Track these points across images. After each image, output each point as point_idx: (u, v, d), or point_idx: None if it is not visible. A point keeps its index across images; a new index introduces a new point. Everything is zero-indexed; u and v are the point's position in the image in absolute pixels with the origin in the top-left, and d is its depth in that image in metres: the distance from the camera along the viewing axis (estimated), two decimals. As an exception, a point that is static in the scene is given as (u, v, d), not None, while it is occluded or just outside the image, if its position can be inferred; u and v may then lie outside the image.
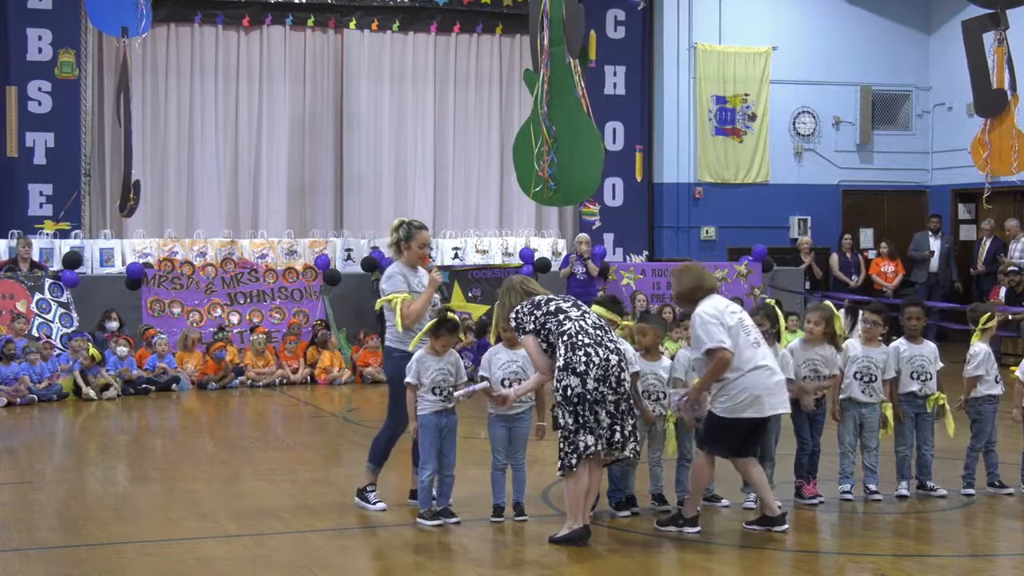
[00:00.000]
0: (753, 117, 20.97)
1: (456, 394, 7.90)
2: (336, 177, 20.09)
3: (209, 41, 19.54)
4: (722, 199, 20.87)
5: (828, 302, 9.01)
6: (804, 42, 21.26)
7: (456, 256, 18.09)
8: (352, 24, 19.92)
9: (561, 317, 7.45)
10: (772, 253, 18.86)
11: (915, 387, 8.71)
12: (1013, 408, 8.81)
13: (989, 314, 8.98)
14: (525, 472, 8.07)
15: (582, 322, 7.43)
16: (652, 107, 20.92)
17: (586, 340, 7.31)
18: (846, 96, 21.43)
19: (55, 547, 7.53)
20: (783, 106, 21.20)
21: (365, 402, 14.58)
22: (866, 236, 21.54)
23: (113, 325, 15.56)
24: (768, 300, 9.06)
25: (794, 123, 21.34)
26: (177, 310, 16.23)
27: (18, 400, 13.79)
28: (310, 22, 19.82)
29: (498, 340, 8.18)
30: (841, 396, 8.67)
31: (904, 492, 8.67)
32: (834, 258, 20.13)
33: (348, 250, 17.84)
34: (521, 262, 17.79)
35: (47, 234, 17.27)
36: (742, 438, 7.59)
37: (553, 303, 7.58)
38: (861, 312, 9.09)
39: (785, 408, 7.78)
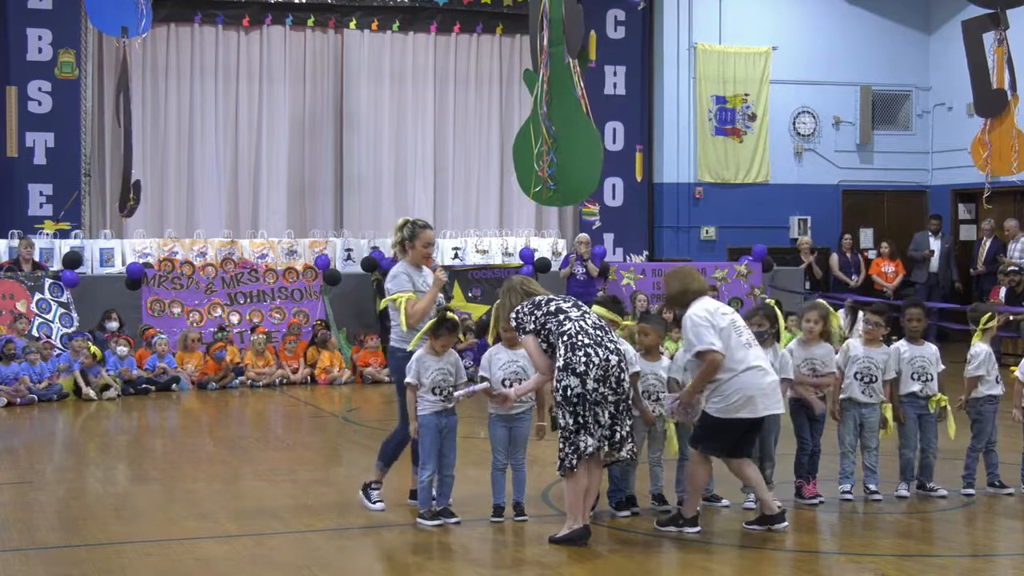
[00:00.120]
0: (753, 117, 20.98)
1: (456, 394, 7.89)
2: (336, 177, 20.09)
3: (209, 41, 19.54)
4: (722, 199, 20.87)
5: (821, 300, 9.02)
6: (804, 42, 21.26)
7: (456, 256, 18.09)
8: (352, 24, 19.92)
9: (561, 317, 7.45)
10: (772, 253, 18.86)
11: (916, 388, 8.70)
12: (1013, 408, 8.81)
13: (990, 314, 8.98)
14: (525, 472, 8.07)
15: (582, 322, 7.43)
16: (652, 107, 20.92)
17: (586, 340, 7.31)
18: (846, 96, 21.43)
19: (55, 547, 7.53)
20: (783, 106, 21.21)
21: (365, 402, 14.59)
22: (866, 236, 21.54)
23: (113, 325, 15.56)
24: (768, 300, 9.04)
25: (794, 123, 21.34)
26: (177, 310, 16.23)
27: (18, 400, 13.79)
28: (310, 22, 19.82)
29: (496, 340, 8.18)
30: (841, 396, 8.67)
31: (904, 493, 8.67)
32: (834, 258, 20.13)
33: (348, 250, 17.83)
34: (521, 262, 17.79)
35: (47, 234, 17.27)
36: (736, 438, 7.59)
37: (553, 303, 7.58)
38: (862, 312, 9.08)
39: (779, 409, 7.78)
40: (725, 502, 8.40)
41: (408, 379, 7.87)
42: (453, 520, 7.87)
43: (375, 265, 17.05)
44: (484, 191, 20.74)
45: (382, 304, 8.48)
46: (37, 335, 15.08)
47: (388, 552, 7.57)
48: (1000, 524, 8.24)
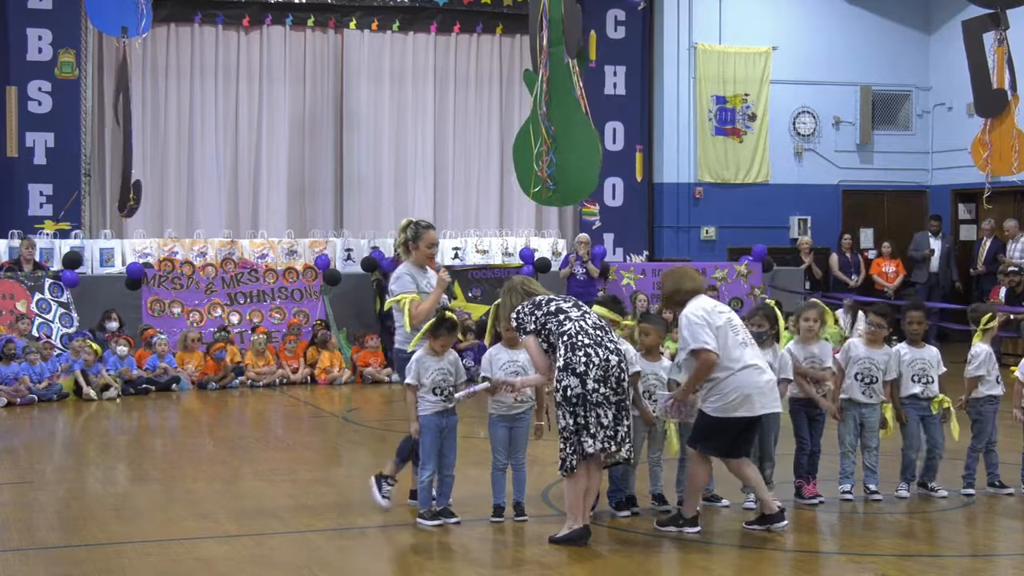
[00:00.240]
0: (753, 117, 20.98)
1: (457, 395, 7.90)
2: (336, 177, 20.09)
3: (209, 41, 19.54)
4: (722, 199, 20.87)
5: (815, 300, 9.04)
6: (804, 42, 21.26)
7: (456, 256, 18.08)
8: (352, 24, 19.92)
9: (562, 317, 7.45)
10: (772, 253, 18.86)
11: (917, 390, 8.70)
12: (1013, 408, 8.81)
13: (990, 315, 8.97)
14: (525, 472, 8.07)
15: (582, 322, 7.43)
16: (652, 107, 20.92)
17: (586, 340, 7.31)
18: (846, 96, 21.43)
19: (55, 547, 7.53)
20: (783, 106, 21.21)
21: (365, 402, 14.59)
22: (866, 236, 21.54)
23: (113, 325, 15.56)
24: (768, 300, 9.04)
25: (794, 123, 21.34)
26: (177, 310, 16.23)
27: (18, 400, 13.79)
28: (310, 22, 19.82)
29: (494, 341, 8.18)
30: (842, 397, 8.67)
31: (904, 493, 8.68)
32: (834, 258, 20.13)
33: (348, 250, 17.83)
34: (521, 262, 17.79)
35: (47, 234, 17.27)
36: (733, 437, 7.59)
37: (554, 303, 7.58)
38: (861, 312, 9.10)
39: (776, 407, 7.79)
40: (725, 502, 8.40)
41: (408, 380, 7.86)
42: (453, 520, 7.87)
43: (375, 265, 17.05)
44: (484, 191, 20.74)
45: (387, 305, 8.47)
46: (37, 335, 15.08)
47: (388, 552, 7.58)
48: (1000, 524, 8.24)
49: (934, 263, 19.97)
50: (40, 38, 18.12)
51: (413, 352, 7.95)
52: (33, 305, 15.49)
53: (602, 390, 7.27)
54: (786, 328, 8.90)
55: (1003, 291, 17.76)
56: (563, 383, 7.28)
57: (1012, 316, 16.26)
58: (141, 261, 16.70)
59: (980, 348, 8.88)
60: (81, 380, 14.26)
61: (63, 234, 17.35)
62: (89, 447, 11.71)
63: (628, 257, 19.66)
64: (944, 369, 8.84)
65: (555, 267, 17.97)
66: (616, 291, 16.73)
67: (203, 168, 19.49)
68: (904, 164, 21.83)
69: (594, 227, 20.19)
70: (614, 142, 20.31)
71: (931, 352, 8.84)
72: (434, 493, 7.91)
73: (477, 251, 18.35)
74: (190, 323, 16.16)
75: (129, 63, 17.35)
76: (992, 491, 8.79)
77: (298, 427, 13.11)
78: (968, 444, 8.90)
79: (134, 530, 7.91)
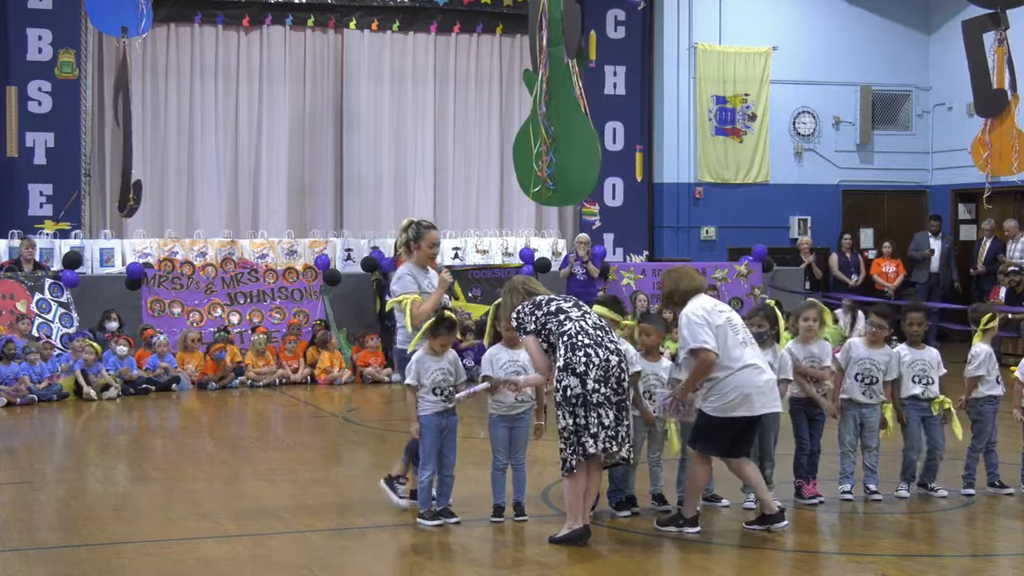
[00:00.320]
0: (753, 117, 20.98)
1: (458, 396, 7.90)
2: (336, 177, 20.09)
3: (209, 41, 19.54)
4: (722, 199, 20.87)
5: (812, 299, 9.04)
6: (804, 42, 21.26)
7: (456, 256, 18.08)
8: (352, 24, 19.92)
9: (562, 317, 7.45)
10: (772, 253, 18.86)
11: (917, 390, 8.70)
12: (1013, 408, 8.81)
13: (990, 315, 8.97)
14: (525, 472, 8.07)
15: (583, 322, 7.42)
16: (652, 107, 20.92)
17: (586, 341, 7.31)
18: (846, 96, 21.43)
19: (55, 547, 7.52)
20: (783, 106, 21.21)
21: (365, 402, 14.59)
22: (866, 236, 21.55)
23: (113, 325, 15.56)
24: (768, 301, 9.04)
25: (794, 123, 21.34)
26: (177, 310, 16.23)
27: (18, 400, 13.79)
28: (310, 22, 19.82)
29: (493, 341, 8.17)
30: (842, 397, 8.67)
31: (904, 493, 8.67)
32: (833, 258, 20.13)
33: (348, 250, 17.83)
34: (521, 262, 17.79)
35: (47, 234, 17.27)
36: (733, 437, 7.58)
37: (554, 303, 7.57)
38: (860, 312, 9.10)
39: (776, 407, 7.78)
40: (725, 502, 8.40)
41: (408, 380, 7.86)
42: (453, 520, 7.87)
43: (375, 265, 17.05)
44: (484, 191, 20.74)
45: (389, 305, 8.47)
46: (37, 335, 15.08)
47: (388, 552, 7.57)
48: (1000, 524, 8.24)
49: (934, 263, 19.97)
50: (40, 38, 18.12)
51: (411, 352, 7.95)
52: (33, 305, 15.49)
53: (603, 390, 7.26)
54: (786, 328, 8.89)
55: (1003, 291, 17.76)
56: (563, 383, 7.27)
57: (1012, 316, 16.26)
58: (141, 261, 16.70)
59: (980, 348, 8.88)
60: (82, 380, 14.26)
61: (63, 234, 17.35)
62: (89, 447, 11.71)
63: (628, 257, 19.66)
64: (944, 370, 8.83)
65: (555, 267, 17.97)
66: (616, 291, 16.72)
67: (203, 168, 19.49)
68: (904, 164, 21.83)
69: (594, 227, 20.19)
70: (614, 142, 20.31)
71: (931, 353, 8.84)
72: (434, 493, 7.91)
73: (477, 251, 18.35)
74: (190, 323, 16.16)
75: (129, 63, 17.34)
76: (992, 491, 8.79)
77: (298, 427, 13.11)
78: (968, 444, 8.90)
79: (134, 530, 7.91)
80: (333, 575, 6.96)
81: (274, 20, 19.64)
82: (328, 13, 19.85)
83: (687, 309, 7.59)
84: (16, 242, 16.54)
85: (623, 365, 7.41)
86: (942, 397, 8.74)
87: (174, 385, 15.08)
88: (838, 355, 8.74)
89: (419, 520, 7.86)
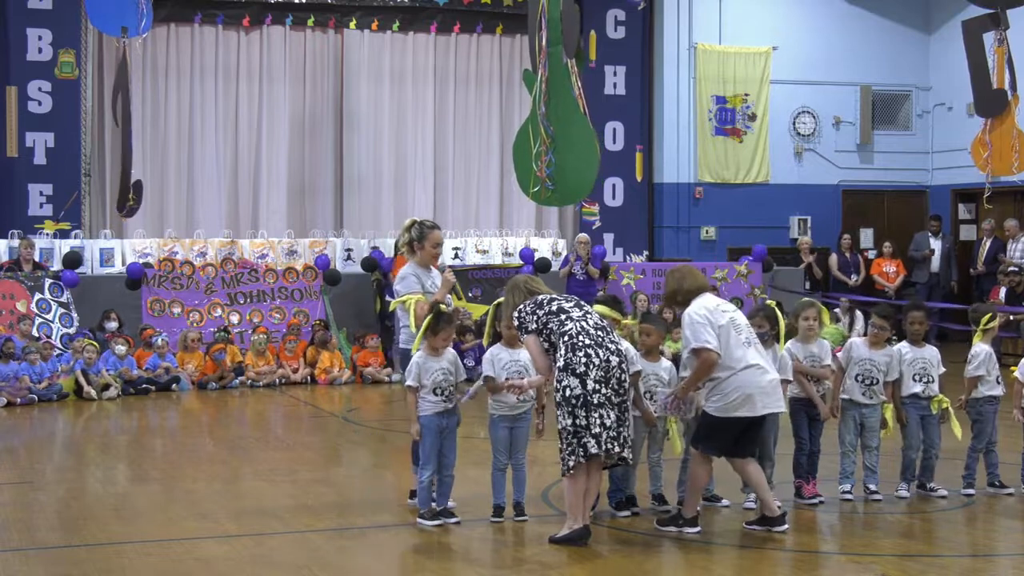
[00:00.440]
0: (753, 117, 20.98)
1: (462, 399, 7.91)
2: (336, 177, 20.09)
3: (209, 41, 19.54)
4: (722, 199, 20.87)
5: (808, 299, 9.05)
6: (804, 42, 21.26)
7: (456, 256, 18.08)
8: (352, 24, 19.93)
9: (563, 317, 7.44)
10: (772, 253, 18.87)
11: (917, 389, 8.70)
12: (1013, 408, 8.81)
13: (991, 315, 8.97)
14: (526, 472, 8.07)
15: (584, 323, 7.42)
16: (652, 107, 20.92)
17: (587, 341, 7.30)
18: (846, 96, 21.43)
19: (55, 547, 7.52)
20: (783, 106, 21.21)
21: (365, 402, 14.59)
22: (866, 236, 21.55)
23: (112, 325, 15.55)
24: (768, 301, 9.03)
25: (794, 123, 21.34)
26: (177, 310, 16.22)
27: (18, 400, 13.79)
28: (310, 22, 19.82)
29: (493, 341, 8.17)
30: (842, 397, 8.67)
31: (904, 493, 8.67)
32: (833, 258, 20.13)
33: (348, 250, 17.83)
34: (521, 262, 17.79)
35: (47, 234, 17.27)
36: (735, 437, 7.58)
37: (556, 303, 7.57)
38: (859, 312, 9.09)
39: (779, 407, 7.78)
40: (725, 502, 8.39)
41: (408, 382, 7.85)
42: (453, 520, 7.87)
43: (375, 265, 17.04)
44: (484, 191, 20.74)
45: (393, 305, 8.46)
46: (37, 335, 15.07)
47: (388, 552, 7.57)
48: (1000, 524, 8.24)
49: (934, 263, 19.97)
50: (40, 38, 18.12)
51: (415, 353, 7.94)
52: (33, 305, 15.49)
53: (603, 391, 7.26)
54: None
55: (1003, 291, 17.76)
56: (563, 383, 7.27)
57: (1012, 316, 16.26)
58: (141, 261, 16.70)
59: (980, 348, 8.88)
60: (82, 380, 14.26)
61: (63, 234, 17.35)
62: (89, 447, 11.71)
63: (628, 257, 19.66)
64: (943, 369, 8.84)
65: (555, 267, 17.97)
66: (616, 291, 16.72)
67: (203, 168, 19.49)
68: (904, 164, 21.83)
69: (594, 227, 20.19)
70: (614, 142, 20.31)
71: (931, 352, 8.84)
72: (434, 493, 7.91)
73: (477, 251, 18.35)
74: (190, 323, 16.16)
75: (129, 63, 17.33)
76: (992, 491, 8.79)
77: (298, 427, 13.11)
78: (968, 444, 8.90)
79: (134, 530, 7.91)
80: (333, 575, 6.96)
81: (274, 20, 19.64)
82: (328, 13, 19.86)
83: (690, 309, 7.59)
84: (16, 242, 16.54)
85: (624, 366, 7.40)
86: (940, 396, 8.74)
87: (174, 385, 15.08)
88: (839, 355, 8.74)
89: (419, 520, 7.86)
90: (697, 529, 7.66)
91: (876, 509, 8.40)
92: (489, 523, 7.91)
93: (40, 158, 18.11)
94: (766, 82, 20.99)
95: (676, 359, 8.62)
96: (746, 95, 20.91)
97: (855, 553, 7.38)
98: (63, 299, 15.73)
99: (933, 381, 8.73)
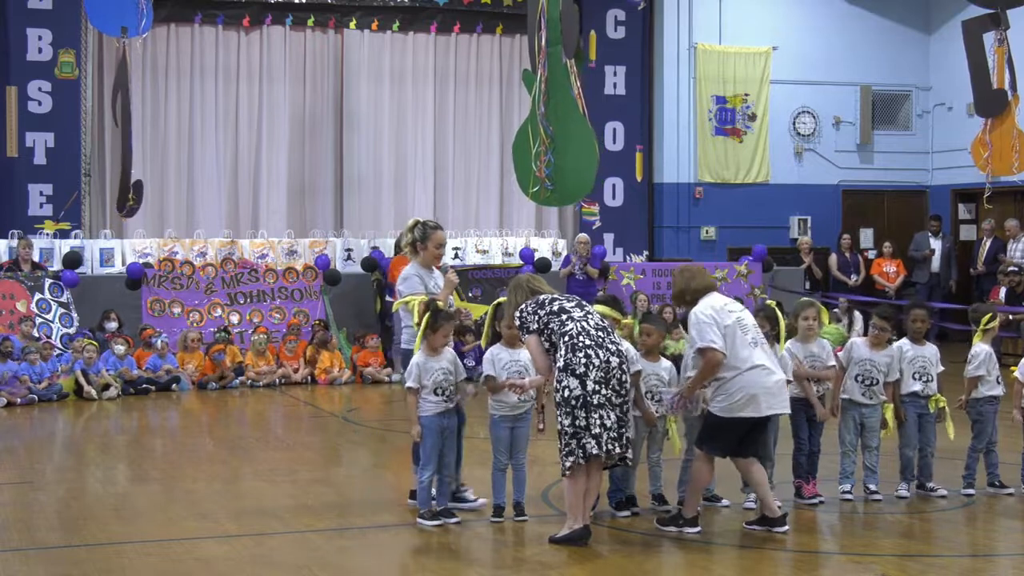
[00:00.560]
0: (753, 117, 20.98)
1: (464, 398, 7.91)
2: (336, 177, 20.09)
3: (209, 41, 19.54)
4: (722, 199, 20.87)
5: (806, 298, 9.05)
6: (804, 42, 21.26)
7: (456, 256, 18.08)
8: (352, 24, 19.93)
9: (564, 318, 7.44)
10: (772, 253, 18.86)
11: (917, 387, 8.70)
12: (1013, 408, 8.81)
13: (991, 315, 8.97)
14: (526, 472, 8.06)
15: (584, 323, 7.41)
16: (652, 107, 20.92)
17: (587, 341, 7.30)
18: (846, 96, 21.43)
19: (55, 547, 7.52)
20: (783, 106, 21.21)
21: (365, 402, 14.58)
22: (866, 236, 21.55)
23: (112, 325, 15.55)
24: (769, 301, 9.03)
25: (794, 123, 21.34)
26: (177, 310, 16.22)
27: (18, 400, 13.78)
28: (310, 22, 19.82)
29: (492, 342, 8.16)
30: (842, 397, 8.67)
31: (904, 493, 8.67)
32: (833, 258, 20.13)
33: (348, 250, 17.83)
34: (521, 262, 17.79)
35: (47, 234, 17.27)
36: (739, 437, 7.58)
37: (557, 303, 7.56)
38: (858, 312, 9.09)
39: (784, 408, 7.77)
40: (725, 502, 8.39)
41: (409, 383, 7.84)
42: (453, 520, 7.87)
43: (375, 265, 17.04)
44: (484, 191, 20.74)
45: (396, 306, 8.46)
46: (37, 335, 15.07)
47: (388, 552, 7.57)
48: (1000, 524, 8.24)
49: (934, 263, 19.98)
50: (40, 38, 18.12)
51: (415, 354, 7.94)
52: (33, 305, 15.48)
53: (603, 392, 7.25)
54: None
55: (1003, 291, 17.76)
56: (563, 384, 7.27)
57: (1012, 316, 16.26)
58: (141, 261, 16.70)
59: (980, 348, 8.88)
60: (82, 380, 14.26)
61: (63, 234, 17.35)
62: (89, 447, 11.71)
63: (628, 257, 19.66)
64: (942, 368, 8.84)
65: (555, 267, 17.97)
66: (616, 291, 16.71)
67: (203, 168, 19.49)
68: (904, 164, 21.83)
69: (594, 227, 20.19)
70: (614, 142, 20.31)
71: (931, 350, 8.84)
72: (434, 493, 7.91)
73: (477, 251, 18.35)
74: (190, 323, 16.15)
75: (129, 63, 17.33)
76: (992, 491, 8.79)
77: (298, 427, 13.11)
78: (968, 444, 8.90)
79: (134, 530, 7.91)
80: (333, 575, 6.96)
81: (274, 20, 19.64)
82: (328, 13, 19.86)
83: (696, 308, 7.58)
84: (16, 242, 16.54)
85: (624, 366, 7.40)
86: (938, 395, 8.75)
87: (174, 385, 15.08)
88: (840, 354, 8.74)
89: (419, 520, 7.86)
90: (697, 529, 7.66)
91: (876, 509, 8.40)
92: (489, 523, 7.91)
93: (40, 158, 18.11)
94: (766, 82, 20.99)
95: (676, 359, 8.64)
96: (746, 95, 20.91)
97: (855, 553, 7.38)
98: (63, 299, 15.73)
99: (932, 380, 8.74)
